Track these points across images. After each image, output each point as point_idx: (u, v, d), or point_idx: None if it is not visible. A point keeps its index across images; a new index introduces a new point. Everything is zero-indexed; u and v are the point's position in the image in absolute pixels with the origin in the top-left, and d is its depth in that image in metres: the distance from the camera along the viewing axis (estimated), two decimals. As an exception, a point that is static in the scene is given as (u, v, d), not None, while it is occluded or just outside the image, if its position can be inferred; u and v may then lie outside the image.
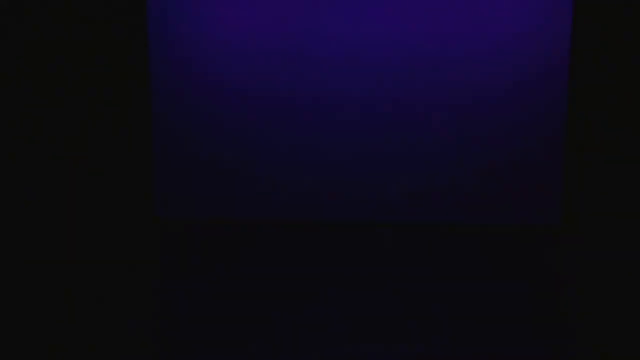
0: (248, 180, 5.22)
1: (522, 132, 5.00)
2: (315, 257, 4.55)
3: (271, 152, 5.16)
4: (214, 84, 5.09)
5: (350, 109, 5.06)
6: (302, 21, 5.03)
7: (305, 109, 5.08)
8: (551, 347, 3.43)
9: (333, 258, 4.52)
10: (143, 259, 4.52)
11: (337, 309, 3.80)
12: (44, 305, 3.81)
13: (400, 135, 5.06)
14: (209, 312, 3.81)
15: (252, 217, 5.24)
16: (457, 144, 5.04)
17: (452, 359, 3.34)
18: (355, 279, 4.18)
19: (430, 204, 5.11)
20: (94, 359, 3.36)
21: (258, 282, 4.17)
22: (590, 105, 4.95)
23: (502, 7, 4.94)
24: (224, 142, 5.15)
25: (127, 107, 5.11)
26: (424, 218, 5.12)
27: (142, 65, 5.10)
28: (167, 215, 5.22)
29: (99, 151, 5.12)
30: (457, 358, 3.35)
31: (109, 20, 5.00)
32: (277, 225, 5.15)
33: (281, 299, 3.93)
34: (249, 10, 5.03)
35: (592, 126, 4.97)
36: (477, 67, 4.97)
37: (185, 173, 5.16)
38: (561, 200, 5.02)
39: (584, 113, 4.98)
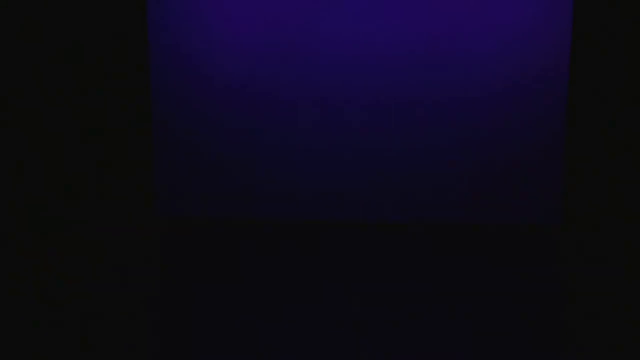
0: (248, 180, 5.22)
1: (522, 133, 5.00)
2: (315, 257, 4.55)
3: (271, 152, 5.17)
4: (214, 84, 5.09)
5: (350, 109, 5.06)
6: (303, 22, 5.02)
7: (306, 109, 5.07)
8: (552, 345, 3.43)
9: (333, 258, 4.51)
10: (143, 257, 4.52)
11: (337, 309, 3.80)
12: (44, 303, 3.81)
13: (401, 135, 5.06)
14: (209, 310, 3.81)
15: (252, 217, 5.24)
16: (458, 144, 5.04)
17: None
18: (355, 279, 4.18)
19: (430, 204, 5.10)
20: (93, 358, 3.36)
21: (258, 282, 4.17)
22: (590, 106, 4.95)
23: (502, 9, 4.94)
24: (224, 142, 5.15)
25: (128, 108, 5.10)
26: (424, 218, 5.12)
27: (142, 65, 5.09)
28: (168, 214, 5.23)
29: (98, 151, 5.12)
30: (457, 358, 3.35)
31: (110, 21, 4.99)
32: (277, 224, 5.15)
33: (281, 299, 3.93)
34: (249, 11, 5.02)
35: (592, 126, 4.97)
36: (477, 68, 4.97)
37: (185, 173, 5.17)
38: (561, 201, 5.03)
39: (584, 113, 4.98)
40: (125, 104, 5.09)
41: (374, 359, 3.33)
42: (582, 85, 4.93)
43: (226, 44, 5.04)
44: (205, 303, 3.90)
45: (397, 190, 5.12)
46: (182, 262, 4.49)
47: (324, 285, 4.08)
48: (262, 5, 4.98)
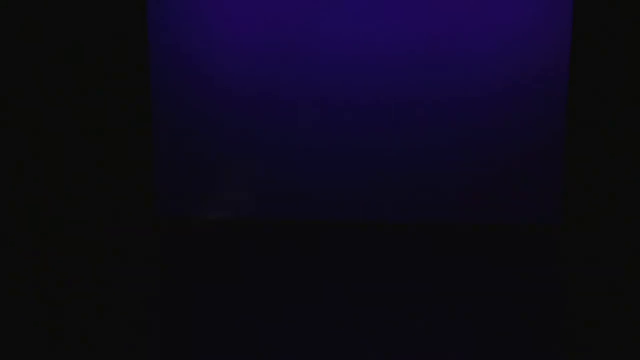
0: (248, 180, 5.22)
1: (522, 133, 5.00)
2: (315, 257, 4.55)
3: (271, 152, 5.16)
4: (214, 84, 5.09)
5: (350, 109, 5.05)
6: (303, 22, 5.02)
7: (306, 109, 5.07)
8: (552, 345, 3.43)
9: (333, 258, 4.51)
10: (143, 257, 4.53)
11: (337, 309, 3.80)
12: (44, 303, 3.81)
13: (401, 135, 5.06)
14: (209, 310, 3.80)
15: (252, 217, 5.25)
16: (458, 144, 5.03)
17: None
18: (355, 279, 4.18)
19: (430, 204, 5.10)
20: (94, 357, 3.35)
21: (258, 282, 4.17)
22: (590, 106, 4.95)
23: (502, 9, 4.94)
24: (224, 142, 5.15)
25: (128, 108, 5.09)
26: (424, 218, 5.12)
27: (142, 65, 5.09)
28: (168, 214, 5.24)
29: (98, 151, 5.11)
30: (457, 358, 3.35)
31: (110, 21, 4.99)
32: (277, 224, 5.16)
33: (281, 299, 3.93)
34: (249, 11, 5.02)
35: (592, 126, 4.96)
36: (477, 68, 4.96)
37: (186, 173, 5.17)
38: (561, 201, 5.03)
39: (584, 113, 4.98)
40: (125, 104, 5.08)
41: (374, 359, 3.33)
42: (582, 85, 4.93)
43: (226, 44, 5.04)
44: (205, 303, 3.90)
45: (397, 190, 5.12)
46: (182, 262, 4.49)
47: (324, 285, 4.08)
48: (262, 5, 4.98)
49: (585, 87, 4.93)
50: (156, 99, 5.03)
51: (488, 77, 4.95)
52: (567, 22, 4.87)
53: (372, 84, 4.99)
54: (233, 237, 4.86)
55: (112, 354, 3.39)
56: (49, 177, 5.03)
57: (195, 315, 3.80)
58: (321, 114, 5.05)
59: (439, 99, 4.97)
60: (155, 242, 4.80)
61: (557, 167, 4.99)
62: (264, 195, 5.17)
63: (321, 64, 4.98)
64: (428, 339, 3.51)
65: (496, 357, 3.37)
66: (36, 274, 4.14)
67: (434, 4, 4.90)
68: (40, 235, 4.60)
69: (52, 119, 5.00)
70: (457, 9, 4.89)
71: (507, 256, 4.52)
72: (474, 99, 4.96)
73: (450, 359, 3.36)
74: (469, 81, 4.94)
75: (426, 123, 4.99)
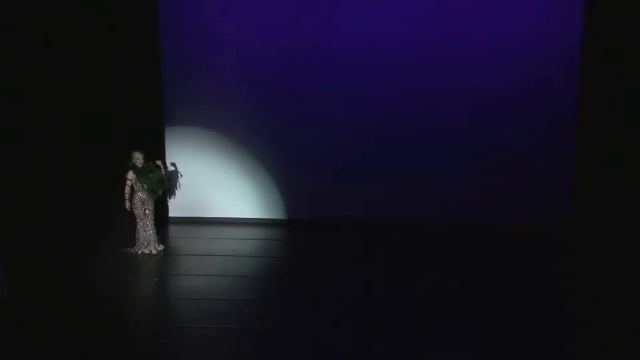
0: (248, 180, 5.22)
1: (530, 135, 4.96)
2: (315, 257, 4.56)
3: (271, 152, 5.15)
4: (215, 84, 5.08)
5: (350, 109, 5.03)
6: (303, 22, 5.00)
7: (306, 109, 5.06)
8: (553, 344, 3.43)
9: (333, 258, 4.52)
10: (144, 257, 4.57)
11: (338, 309, 3.79)
12: (44, 302, 3.82)
13: (403, 136, 5.04)
14: (209, 309, 3.81)
15: (252, 217, 5.24)
16: (464, 146, 5.01)
17: (453, 357, 3.34)
18: (356, 279, 4.17)
19: (436, 205, 5.07)
20: (94, 356, 3.36)
21: (258, 281, 4.18)
22: (599, 109, 4.90)
23: (507, 9, 4.90)
24: (224, 142, 5.16)
25: (133, 108, 5.08)
26: (429, 218, 5.08)
27: (151, 65, 5.09)
28: (168, 214, 5.26)
29: (100, 151, 5.11)
30: (458, 357, 3.34)
31: (119, 23, 4.97)
32: (276, 224, 5.15)
33: (281, 298, 3.94)
34: (250, 11, 5.02)
35: (601, 129, 4.91)
36: (485, 70, 4.92)
37: (185, 172, 5.19)
38: (569, 203, 4.98)
39: (593, 117, 4.93)
40: (129, 104, 5.06)
41: (376, 358, 3.32)
42: (591, 89, 4.86)
43: (227, 44, 5.02)
44: (205, 302, 3.89)
45: (400, 191, 5.09)
46: (183, 262, 4.51)
47: (325, 284, 4.09)
48: (264, 6, 4.97)
49: (594, 91, 4.87)
50: (162, 100, 5.09)
51: (496, 78, 4.92)
52: (576, 23, 4.82)
53: (373, 84, 4.96)
54: (233, 237, 4.90)
55: (113, 351, 3.39)
56: (49, 177, 5.00)
57: (195, 314, 3.80)
58: (322, 114, 5.04)
59: (441, 98, 4.95)
60: (155, 242, 4.82)
61: (565, 169, 4.96)
62: (265, 195, 5.18)
63: (321, 64, 4.97)
64: (428, 339, 3.51)
65: (496, 356, 3.36)
66: (36, 274, 4.15)
67: (440, 5, 4.88)
68: (41, 234, 4.60)
69: (53, 118, 4.98)
70: (461, 9, 4.87)
71: (507, 256, 4.50)
72: (483, 102, 4.94)
73: (451, 358, 3.35)
74: (477, 84, 4.91)
75: (428, 123, 4.99)
